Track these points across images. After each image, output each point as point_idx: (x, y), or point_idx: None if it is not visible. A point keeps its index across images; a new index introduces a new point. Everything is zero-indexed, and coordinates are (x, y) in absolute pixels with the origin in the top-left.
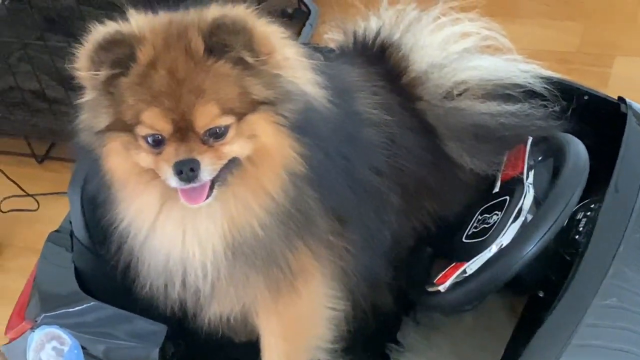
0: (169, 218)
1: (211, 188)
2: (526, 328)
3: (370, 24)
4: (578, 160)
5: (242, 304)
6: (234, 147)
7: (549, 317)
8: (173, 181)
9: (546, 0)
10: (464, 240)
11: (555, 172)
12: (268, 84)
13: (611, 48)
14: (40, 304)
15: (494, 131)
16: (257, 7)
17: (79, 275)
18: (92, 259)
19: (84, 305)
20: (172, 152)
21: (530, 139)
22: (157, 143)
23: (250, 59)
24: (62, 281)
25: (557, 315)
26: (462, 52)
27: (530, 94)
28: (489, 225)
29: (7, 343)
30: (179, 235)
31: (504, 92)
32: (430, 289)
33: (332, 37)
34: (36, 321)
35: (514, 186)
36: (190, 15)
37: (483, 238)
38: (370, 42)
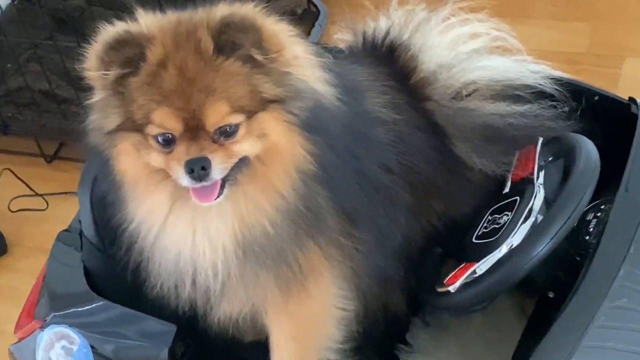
0: (180, 218)
1: (222, 187)
2: (536, 329)
3: (380, 24)
4: (589, 160)
5: (252, 303)
6: (245, 145)
7: (559, 318)
8: (184, 180)
9: (555, 1)
10: (474, 240)
11: (566, 173)
12: (278, 81)
13: (620, 49)
14: (50, 304)
15: (503, 132)
16: (265, 6)
17: (88, 274)
18: (101, 258)
19: (93, 305)
20: (183, 151)
21: (540, 140)
22: (168, 142)
23: (259, 57)
24: (71, 280)
25: (567, 316)
26: (471, 53)
27: (539, 95)
28: (499, 225)
29: (17, 342)
30: (189, 234)
31: (513, 93)
32: (440, 290)
33: (342, 37)
34: (45, 320)
35: (524, 187)
36: (199, 14)
37: (493, 238)
38: (379, 42)
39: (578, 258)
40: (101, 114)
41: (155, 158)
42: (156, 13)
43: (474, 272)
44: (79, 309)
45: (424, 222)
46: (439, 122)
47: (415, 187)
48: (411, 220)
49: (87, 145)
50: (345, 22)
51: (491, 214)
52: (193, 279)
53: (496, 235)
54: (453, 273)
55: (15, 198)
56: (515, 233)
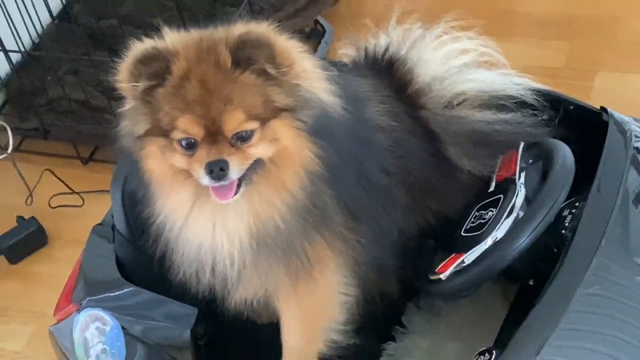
0: (201, 213)
1: (238, 186)
2: (518, 313)
3: (380, 41)
4: (565, 163)
5: (265, 289)
6: (259, 149)
7: (538, 303)
8: (205, 179)
9: (537, 22)
10: (462, 233)
11: (544, 174)
12: (288, 92)
13: (594, 64)
14: (85, 289)
15: (489, 137)
16: (278, 25)
17: (119, 263)
18: (131, 249)
19: (124, 290)
20: (204, 154)
21: (522, 144)
22: (191, 146)
23: (272, 71)
24: (104, 269)
25: (546, 302)
26: (461, 67)
27: (522, 104)
28: (485, 220)
29: (56, 324)
30: (209, 228)
31: (498, 102)
32: (432, 277)
33: (346, 52)
34: (81, 304)
35: (507, 186)
36: (218, 32)
37: (480, 232)
38: (379, 57)
39: (555, 250)
40: (131, 120)
41: (179, 160)
42: (180, 31)
43: (463, 262)
44: (111, 294)
45: (419, 218)
46: (433, 128)
47: (411, 188)
48: (407, 217)
49: (119, 148)
50: (348, 39)
51: (478, 210)
52: (212, 268)
53: (482, 229)
54: (444, 263)
55: (54, 196)
56: (499, 227)
